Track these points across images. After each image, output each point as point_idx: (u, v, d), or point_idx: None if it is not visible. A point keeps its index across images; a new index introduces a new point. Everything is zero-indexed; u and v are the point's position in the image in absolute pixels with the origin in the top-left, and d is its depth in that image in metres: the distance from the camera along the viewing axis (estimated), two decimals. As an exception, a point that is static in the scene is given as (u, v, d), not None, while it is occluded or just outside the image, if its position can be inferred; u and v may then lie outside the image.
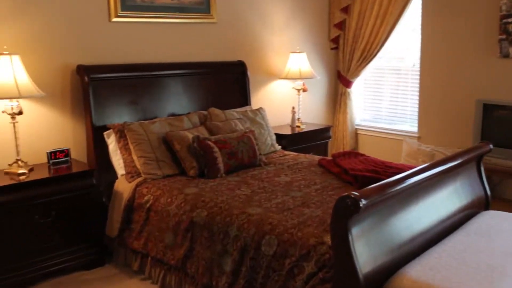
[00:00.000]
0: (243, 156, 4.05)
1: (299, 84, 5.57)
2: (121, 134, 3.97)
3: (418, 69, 5.58)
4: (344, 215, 2.25)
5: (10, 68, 3.49)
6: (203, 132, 4.17)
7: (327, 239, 2.56)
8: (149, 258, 3.57)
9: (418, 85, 5.63)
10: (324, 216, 2.91)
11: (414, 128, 5.77)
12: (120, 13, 4.24)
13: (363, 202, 2.24)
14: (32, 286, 3.57)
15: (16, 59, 3.54)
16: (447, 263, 2.47)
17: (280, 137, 5.06)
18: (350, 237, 2.26)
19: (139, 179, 3.82)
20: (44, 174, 3.65)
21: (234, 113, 4.64)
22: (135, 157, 3.89)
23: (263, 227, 2.88)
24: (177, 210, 3.37)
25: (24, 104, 3.74)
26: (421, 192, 2.83)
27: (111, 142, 4.03)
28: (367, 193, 2.34)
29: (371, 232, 2.44)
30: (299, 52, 5.49)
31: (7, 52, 3.52)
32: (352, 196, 2.25)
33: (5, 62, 3.49)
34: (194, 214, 3.25)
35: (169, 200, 3.49)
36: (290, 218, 2.91)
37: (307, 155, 4.58)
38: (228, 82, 5.05)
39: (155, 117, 4.33)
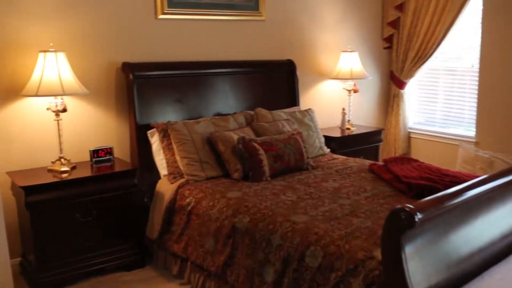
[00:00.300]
0: (290, 159, 3.89)
1: (350, 84, 5.38)
2: (165, 133, 3.89)
3: (477, 69, 5.27)
4: (397, 230, 2.05)
5: (55, 65, 3.45)
6: (248, 133, 4.03)
7: (377, 253, 2.37)
8: (189, 263, 3.46)
9: (476, 87, 5.32)
10: (374, 227, 2.71)
11: (471, 133, 5.46)
12: (166, 10, 4.16)
13: (418, 216, 2.04)
14: (72, 285, 3.53)
15: (62, 56, 3.50)
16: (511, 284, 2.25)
17: (329, 140, 4.87)
18: (403, 255, 2.06)
19: (182, 180, 3.71)
20: (86, 172, 3.61)
21: (282, 113, 4.49)
22: (178, 158, 3.80)
23: (308, 237, 2.71)
24: (219, 214, 3.25)
25: (69, 101, 3.70)
26: (482, 204, 2.58)
27: (155, 141, 3.95)
28: (423, 206, 2.13)
29: (426, 248, 2.23)
30: (350, 51, 5.29)
31: (53, 49, 3.48)
32: (407, 209, 2.05)
33: (50, 59, 3.45)
34: (236, 220, 3.12)
35: (211, 203, 3.36)
36: (337, 229, 2.72)
37: (357, 159, 4.37)
38: (276, 82, 4.91)
39: (200, 117, 4.23)
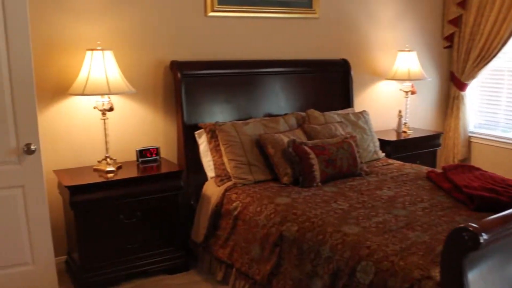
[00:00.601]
0: (342, 164, 3.70)
1: (407, 85, 5.13)
2: (213, 134, 3.78)
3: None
4: (460, 252, 1.86)
5: (102, 63, 3.39)
6: (299, 136, 3.87)
7: (435, 273, 2.17)
8: (234, 269, 3.34)
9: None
10: (431, 242, 2.51)
11: (538, 138, 5.13)
12: (216, 7, 4.05)
13: (484, 237, 1.84)
14: (115, 286, 3.49)
15: (109, 54, 3.44)
16: None
17: (384, 143, 4.65)
18: (465, 280, 1.86)
19: (229, 183, 3.60)
20: (132, 173, 3.55)
21: (335, 115, 4.30)
22: (225, 160, 3.68)
23: (360, 250, 2.53)
24: (266, 221, 3.11)
25: (115, 100, 3.65)
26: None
27: (202, 142, 3.85)
28: (488, 225, 1.93)
29: (491, 272, 2.03)
30: (408, 51, 5.04)
31: (100, 48, 3.43)
32: (471, 228, 1.85)
33: (97, 58, 3.40)
34: (284, 228, 2.97)
35: (258, 209, 3.23)
36: (392, 243, 2.53)
37: (414, 165, 4.14)
38: (330, 82, 4.72)
39: (250, 117, 4.10)
